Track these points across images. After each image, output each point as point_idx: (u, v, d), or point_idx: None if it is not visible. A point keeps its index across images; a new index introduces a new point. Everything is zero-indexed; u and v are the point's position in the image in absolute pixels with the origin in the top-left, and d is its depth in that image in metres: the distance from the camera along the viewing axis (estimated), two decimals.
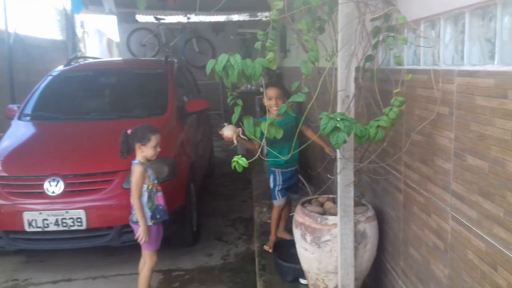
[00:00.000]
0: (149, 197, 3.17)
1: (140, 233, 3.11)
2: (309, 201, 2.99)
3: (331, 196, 3.03)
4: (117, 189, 3.81)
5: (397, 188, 2.57)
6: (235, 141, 2.89)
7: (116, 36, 12.21)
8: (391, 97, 2.56)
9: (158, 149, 3.21)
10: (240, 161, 1.87)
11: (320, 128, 1.93)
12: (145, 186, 3.15)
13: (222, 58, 1.96)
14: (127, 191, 3.83)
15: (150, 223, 3.16)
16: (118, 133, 4.54)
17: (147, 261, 3.27)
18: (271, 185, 3.67)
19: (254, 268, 3.75)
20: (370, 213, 2.73)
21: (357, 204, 2.89)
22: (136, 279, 3.89)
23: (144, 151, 3.19)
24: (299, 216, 2.77)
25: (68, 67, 5.72)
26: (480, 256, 1.70)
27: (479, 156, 1.71)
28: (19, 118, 4.85)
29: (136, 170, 3.13)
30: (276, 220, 3.71)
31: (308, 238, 2.67)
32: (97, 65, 6.17)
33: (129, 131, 3.27)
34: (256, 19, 11.32)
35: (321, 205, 2.96)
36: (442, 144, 2.00)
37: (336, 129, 1.93)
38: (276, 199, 3.66)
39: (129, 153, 3.27)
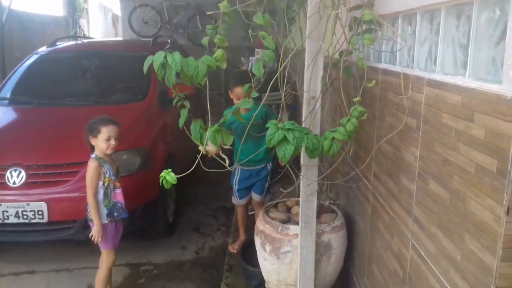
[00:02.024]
0: (106, 194, 2.97)
1: (93, 232, 2.93)
2: (276, 205, 2.78)
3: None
4: (83, 181, 3.59)
5: (366, 199, 2.34)
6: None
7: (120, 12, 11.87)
8: (368, 97, 2.31)
9: (113, 142, 2.96)
10: (167, 177, 1.64)
11: (266, 139, 1.69)
12: (100, 183, 2.95)
13: (159, 56, 1.71)
14: None
15: (106, 221, 2.98)
16: (90, 120, 4.34)
17: (104, 260, 3.10)
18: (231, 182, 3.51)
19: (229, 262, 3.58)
20: (338, 222, 2.51)
21: (326, 210, 2.67)
22: None
23: (97, 144, 2.97)
24: (260, 223, 2.56)
25: (51, 48, 5.46)
26: None
27: (441, 184, 1.46)
28: None
29: (91, 165, 2.93)
30: (241, 220, 3.52)
31: (268, 247, 2.47)
32: (82, 47, 5.90)
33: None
34: None
35: (289, 209, 2.75)
36: (408, 160, 1.76)
37: (284, 140, 1.69)
38: (234, 197, 3.49)
39: (92, 147, 3.05)
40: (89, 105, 4.56)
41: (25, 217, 3.48)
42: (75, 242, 4.07)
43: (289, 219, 2.58)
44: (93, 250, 4.07)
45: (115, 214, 3.01)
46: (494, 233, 1.14)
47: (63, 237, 3.65)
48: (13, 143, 3.89)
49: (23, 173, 3.55)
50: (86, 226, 3.64)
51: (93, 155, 3.00)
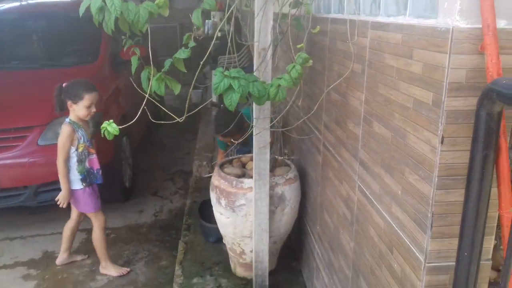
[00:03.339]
0: (80, 160, 2.89)
1: (60, 197, 2.88)
2: (230, 161, 2.78)
3: None
4: (32, 146, 3.48)
5: (317, 149, 2.38)
6: None
7: None
8: (318, 49, 2.31)
9: (93, 109, 2.86)
10: (109, 128, 1.60)
11: (212, 87, 1.67)
12: (73, 148, 2.86)
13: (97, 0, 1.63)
14: (44, 149, 3.52)
15: (81, 186, 2.93)
16: (38, 84, 4.15)
17: (94, 223, 3.09)
18: None
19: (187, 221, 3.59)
20: (291, 174, 2.55)
21: (280, 164, 2.71)
22: (57, 239, 3.69)
23: (76, 110, 2.84)
24: (215, 178, 2.56)
25: None
26: (379, 235, 1.53)
27: (383, 124, 1.50)
28: None
29: (64, 130, 2.81)
30: None
31: (223, 202, 2.48)
32: (27, 8, 5.57)
33: (64, 85, 2.89)
34: None
35: (243, 165, 2.76)
36: (354, 106, 1.79)
37: (230, 88, 1.67)
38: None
39: (62, 109, 2.92)
40: (37, 69, 4.36)
41: None
42: (27, 210, 3.97)
43: (244, 174, 2.60)
44: (46, 217, 4.00)
45: (88, 180, 2.95)
46: (430, 163, 1.18)
47: (14, 204, 3.55)
48: None
49: None
50: (37, 192, 3.55)
51: (67, 120, 2.88)
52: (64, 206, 2.94)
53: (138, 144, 5.12)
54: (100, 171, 3.03)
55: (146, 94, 1.89)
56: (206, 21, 8.03)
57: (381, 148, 1.52)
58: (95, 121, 3.75)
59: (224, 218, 2.53)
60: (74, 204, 3.10)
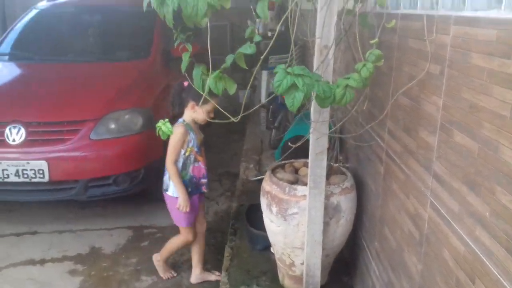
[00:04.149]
0: (184, 165, 2.75)
1: (180, 203, 2.71)
2: (283, 166, 2.63)
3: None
4: (84, 140, 3.49)
5: (379, 158, 2.19)
6: None
7: None
8: (384, 48, 2.13)
9: (211, 115, 2.67)
10: (163, 127, 1.50)
11: (274, 85, 1.53)
12: (182, 151, 2.73)
13: None
14: (95, 143, 3.52)
15: (176, 195, 2.76)
16: (92, 77, 4.19)
17: (180, 237, 2.93)
18: None
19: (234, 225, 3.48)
20: (348, 183, 2.37)
21: (335, 171, 2.53)
22: (104, 235, 3.71)
23: (197, 113, 2.69)
24: (267, 183, 2.42)
25: (52, 2, 5.29)
26: (457, 260, 1.34)
27: (468, 134, 1.30)
28: None
29: (177, 131, 2.65)
30: None
31: (274, 209, 2.34)
32: (83, 2, 5.69)
33: (185, 83, 2.75)
34: None
35: (296, 171, 2.61)
36: (428, 112, 1.59)
37: (293, 87, 1.52)
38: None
39: (181, 109, 2.79)
40: (91, 62, 4.42)
41: (25, 176, 3.39)
42: (77, 204, 4.01)
43: (297, 181, 2.44)
44: (95, 212, 4.02)
45: (189, 189, 2.77)
46: None
47: (64, 198, 3.58)
48: (12, 100, 3.77)
49: (22, 130, 3.44)
50: (87, 187, 3.55)
51: (181, 120, 2.75)
52: (187, 209, 2.72)
53: None
54: (206, 180, 2.84)
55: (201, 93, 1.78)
56: (257, 20, 7.95)
57: (463, 162, 1.32)
58: (144, 117, 3.73)
59: (274, 226, 2.39)
60: (172, 215, 2.91)
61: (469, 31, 1.32)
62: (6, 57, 4.57)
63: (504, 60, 1.13)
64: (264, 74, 5.73)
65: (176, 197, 2.76)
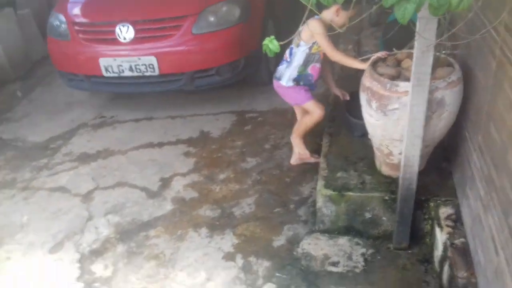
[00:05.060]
0: (306, 62, 2.90)
1: (358, 67, 2.64)
2: (384, 59, 2.59)
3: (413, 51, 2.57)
4: (187, 34, 3.67)
5: (492, 52, 2.07)
6: None
7: None
8: None
9: (347, 24, 2.62)
10: (270, 45, 1.56)
11: None
12: (308, 45, 2.81)
13: None
14: (197, 37, 3.69)
15: (291, 84, 2.97)
16: None
17: (311, 113, 3.09)
18: None
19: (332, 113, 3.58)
20: (454, 77, 2.30)
21: (442, 63, 2.45)
22: (212, 120, 4.06)
23: (340, 16, 2.73)
24: (367, 79, 2.44)
25: None
26: None
27: None
28: None
29: (318, 26, 2.70)
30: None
31: (374, 104, 2.39)
32: None
33: None
34: None
35: (399, 63, 2.56)
36: None
37: None
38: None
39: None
40: None
41: (138, 70, 3.72)
42: (185, 93, 4.35)
43: (399, 75, 2.42)
44: (202, 98, 4.34)
45: (301, 83, 2.97)
46: None
47: (174, 89, 3.91)
48: (117, 0, 3.96)
49: (131, 28, 3.67)
50: (193, 78, 3.82)
51: (318, 17, 2.78)
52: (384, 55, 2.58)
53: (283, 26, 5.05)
54: (317, 82, 2.97)
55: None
56: None
57: None
58: (241, 8, 3.71)
59: (373, 120, 2.46)
60: (286, 99, 3.11)
61: None
62: None
63: None
64: None
65: (288, 87, 2.94)
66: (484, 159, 2.14)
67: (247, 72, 3.94)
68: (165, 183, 3.33)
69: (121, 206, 3.15)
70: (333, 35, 2.55)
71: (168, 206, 3.11)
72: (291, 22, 4.92)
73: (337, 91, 3.33)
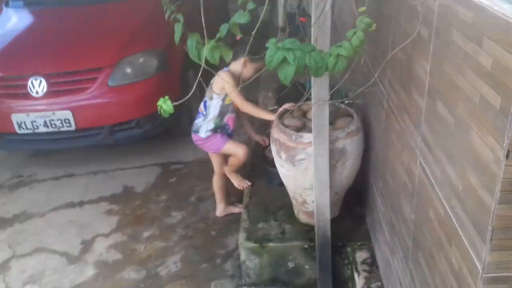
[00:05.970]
0: (221, 113, 2.93)
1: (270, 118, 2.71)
2: (292, 111, 2.71)
3: None
4: (103, 87, 3.63)
5: (381, 104, 2.24)
6: None
7: None
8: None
9: (254, 76, 2.63)
10: (164, 106, 1.60)
11: (266, 61, 1.57)
12: (221, 96, 2.86)
13: None
14: (114, 89, 3.67)
15: (208, 134, 2.96)
16: (105, 19, 4.19)
17: (233, 156, 3.09)
18: None
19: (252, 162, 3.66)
20: (353, 126, 2.45)
21: (342, 113, 2.61)
22: (135, 173, 3.99)
23: (247, 68, 2.78)
24: (274, 131, 2.54)
25: None
26: (439, 222, 1.46)
27: (447, 108, 1.36)
28: (6, 4, 4.54)
29: (227, 78, 2.74)
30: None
31: (283, 155, 2.48)
32: None
33: (237, 37, 2.84)
34: None
35: (304, 114, 2.69)
36: (419, 74, 1.62)
37: (284, 61, 1.57)
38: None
39: (235, 60, 2.79)
40: (102, 3, 4.37)
41: (53, 126, 3.62)
42: (106, 146, 4.27)
43: (304, 126, 2.54)
44: (125, 152, 4.28)
45: (218, 130, 2.98)
46: (493, 174, 1.07)
47: (92, 143, 3.82)
48: (30, 51, 3.88)
49: (44, 82, 3.59)
50: (113, 131, 3.77)
51: (227, 69, 2.86)
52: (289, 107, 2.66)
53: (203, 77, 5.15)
54: (234, 131, 3.05)
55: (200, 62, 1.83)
56: None
57: (443, 132, 1.39)
58: (158, 59, 3.75)
59: (285, 170, 2.55)
60: (206, 150, 3.11)
61: (451, 5, 1.31)
62: (22, 3, 4.56)
63: (476, 46, 1.14)
64: None
65: (206, 138, 2.96)
66: (385, 204, 2.27)
67: (168, 123, 3.94)
68: (87, 245, 3.21)
69: (40, 274, 2.98)
70: (253, 81, 2.66)
71: (90, 271, 2.99)
72: (211, 72, 4.98)
73: (257, 138, 3.41)
